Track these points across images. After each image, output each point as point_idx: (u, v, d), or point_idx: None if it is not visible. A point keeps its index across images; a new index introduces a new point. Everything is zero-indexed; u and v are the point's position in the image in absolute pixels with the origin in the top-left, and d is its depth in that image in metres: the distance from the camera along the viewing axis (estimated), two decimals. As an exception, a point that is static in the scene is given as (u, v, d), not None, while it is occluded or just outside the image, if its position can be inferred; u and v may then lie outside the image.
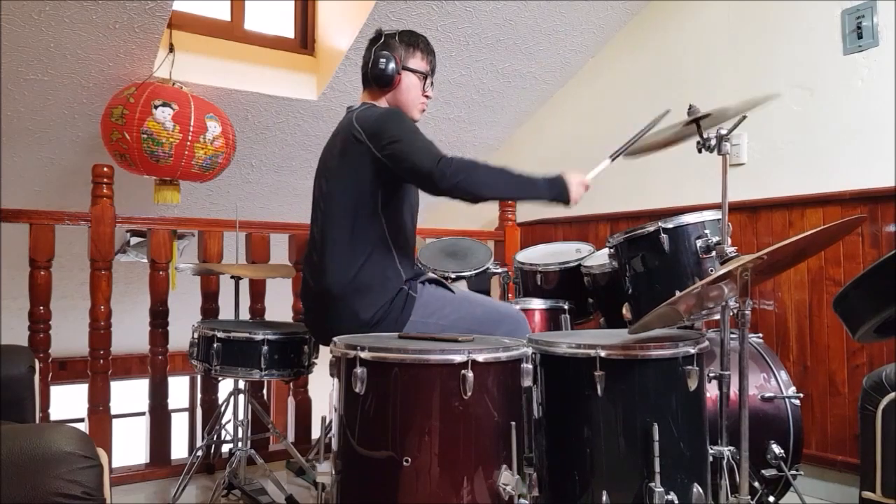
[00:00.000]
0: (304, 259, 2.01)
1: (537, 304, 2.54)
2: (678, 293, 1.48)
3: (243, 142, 3.36)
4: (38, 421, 1.89)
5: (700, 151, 1.79)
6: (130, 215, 2.71)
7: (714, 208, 2.02)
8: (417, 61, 1.98)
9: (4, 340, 2.18)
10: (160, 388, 2.75)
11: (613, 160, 2.00)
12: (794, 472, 1.93)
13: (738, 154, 2.86)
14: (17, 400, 1.76)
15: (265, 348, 2.25)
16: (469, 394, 1.33)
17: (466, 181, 1.73)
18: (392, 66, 1.93)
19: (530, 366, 1.46)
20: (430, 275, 2.01)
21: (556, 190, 1.84)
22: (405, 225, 1.96)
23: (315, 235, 1.94)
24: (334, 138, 1.98)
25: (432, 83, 2.04)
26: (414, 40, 1.99)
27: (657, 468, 1.42)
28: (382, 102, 1.99)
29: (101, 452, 1.16)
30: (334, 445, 1.45)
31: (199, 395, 3.10)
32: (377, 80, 1.95)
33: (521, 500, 1.37)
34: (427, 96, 2.03)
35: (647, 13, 3.35)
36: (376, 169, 1.83)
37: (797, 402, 2.00)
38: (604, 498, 1.44)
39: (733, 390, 1.72)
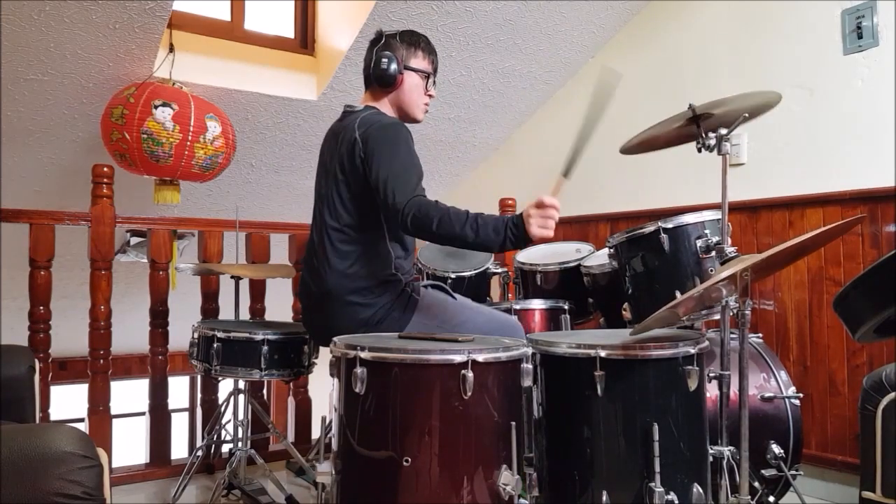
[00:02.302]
0: (304, 262, 2.00)
1: (537, 304, 2.53)
2: (678, 293, 1.48)
3: (243, 142, 3.36)
4: (38, 421, 1.89)
5: (700, 151, 1.79)
6: (130, 215, 2.71)
7: (714, 208, 2.01)
8: (419, 61, 1.98)
9: (4, 340, 2.18)
10: (160, 388, 2.75)
11: (567, 175, 1.84)
12: (793, 472, 1.93)
13: (738, 154, 2.86)
14: (17, 400, 1.76)
15: (265, 348, 2.25)
16: (469, 394, 1.33)
17: (421, 229, 1.68)
18: (394, 66, 1.92)
19: (530, 366, 1.46)
20: (432, 280, 2.01)
21: (510, 229, 1.65)
22: None
23: (314, 238, 1.93)
24: (334, 138, 1.96)
25: (434, 82, 2.02)
26: (415, 40, 1.98)
27: (657, 468, 1.42)
28: (385, 103, 1.98)
29: (101, 452, 1.16)
30: (334, 445, 1.45)
31: (199, 395, 3.11)
32: (379, 80, 1.94)
33: (521, 500, 1.37)
34: (430, 96, 2.02)
35: (647, 13, 3.35)
36: None
37: (797, 402, 2.00)
38: (604, 498, 1.44)
39: (733, 390, 1.71)
